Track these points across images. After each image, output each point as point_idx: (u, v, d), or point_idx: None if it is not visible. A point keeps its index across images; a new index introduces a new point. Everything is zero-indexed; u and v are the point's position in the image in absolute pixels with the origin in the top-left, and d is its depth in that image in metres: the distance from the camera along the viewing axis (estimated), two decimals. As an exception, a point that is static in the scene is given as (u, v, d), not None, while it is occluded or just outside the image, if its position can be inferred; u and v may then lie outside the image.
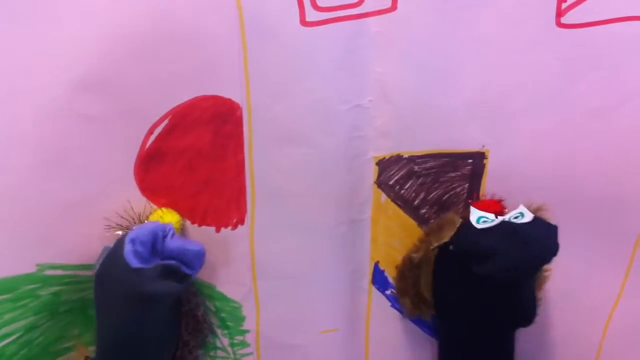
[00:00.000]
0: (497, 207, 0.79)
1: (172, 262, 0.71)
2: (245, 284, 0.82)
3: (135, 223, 0.75)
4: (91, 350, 0.83)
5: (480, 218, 0.77)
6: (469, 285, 0.79)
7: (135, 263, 0.68)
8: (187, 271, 0.72)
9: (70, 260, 0.76)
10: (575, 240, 0.83)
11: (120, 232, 0.74)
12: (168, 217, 0.76)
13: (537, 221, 0.74)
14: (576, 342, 0.91)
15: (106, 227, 0.75)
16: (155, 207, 0.77)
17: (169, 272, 0.71)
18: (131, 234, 0.69)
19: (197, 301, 0.81)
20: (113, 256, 0.71)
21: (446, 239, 0.79)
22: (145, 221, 0.75)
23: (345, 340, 0.89)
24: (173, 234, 0.72)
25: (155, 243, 0.71)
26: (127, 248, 0.68)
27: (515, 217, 0.74)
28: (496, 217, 0.76)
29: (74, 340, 0.82)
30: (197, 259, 0.73)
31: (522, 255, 0.71)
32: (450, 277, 0.81)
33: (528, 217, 0.74)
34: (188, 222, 0.78)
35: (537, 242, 0.72)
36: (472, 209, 0.78)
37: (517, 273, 0.73)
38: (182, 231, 0.79)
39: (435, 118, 0.77)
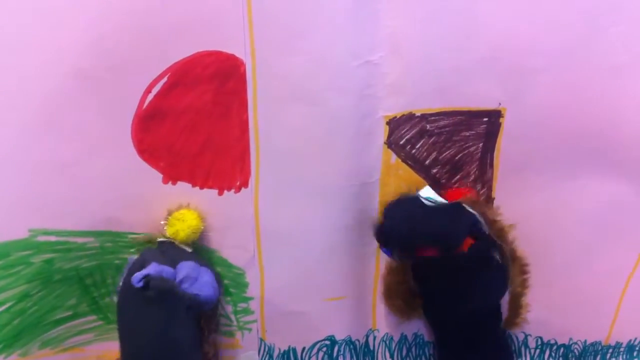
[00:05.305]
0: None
1: None
2: (249, 250, 0.80)
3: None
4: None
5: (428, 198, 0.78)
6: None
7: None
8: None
9: (65, 225, 0.75)
10: (594, 203, 0.82)
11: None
12: (188, 219, 0.75)
13: (436, 208, 0.77)
14: (593, 306, 0.90)
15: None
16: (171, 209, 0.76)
17: None
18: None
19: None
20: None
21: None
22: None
23: (351, 308, 0.87)
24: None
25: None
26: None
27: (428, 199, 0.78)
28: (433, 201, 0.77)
29: (70, 310, 0.80)
30: (208, 302, 0.75)
31: (383, 225, 0.78)
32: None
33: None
34: (188, 186, 0.76)
35: (394, 219, 0.77)
36: (427, 188, 0.78)
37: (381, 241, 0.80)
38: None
39: (449, 74, 0.74)
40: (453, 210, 0.77)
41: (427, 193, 0.78)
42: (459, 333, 0.80)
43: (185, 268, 0.72)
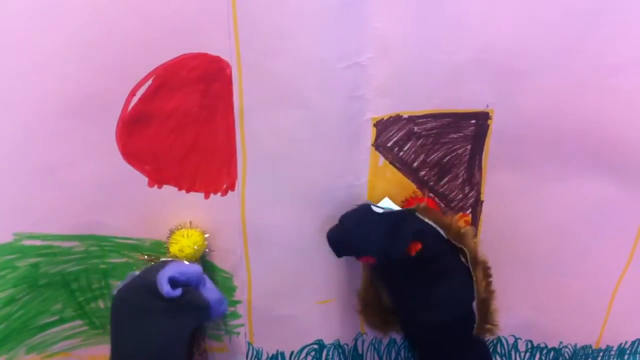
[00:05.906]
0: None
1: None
2: (236, 253, 0.80)
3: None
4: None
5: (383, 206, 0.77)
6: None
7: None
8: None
9: (50, 229, 0.75)
10: (584, 204, 0.82)
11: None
12: (193, 235, 0.75)
13: (379, 218, 0.74)
14: (584, 309, 0.89)
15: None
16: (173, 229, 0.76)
17: None
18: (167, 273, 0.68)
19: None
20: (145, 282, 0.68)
21: None
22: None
23: (339, 311, 0.87)
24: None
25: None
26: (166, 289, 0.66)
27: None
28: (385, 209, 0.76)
29: (56, 315, 0.80)
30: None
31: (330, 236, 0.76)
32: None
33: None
34: (174, 189, 0.75)
35: (339, 225, 0.75)
36: (386, 200, 0.78)
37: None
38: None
39: (437, 76, 0.74)
40: (396, 218, 0.74)
41: (385, 204, 0.77)
42: (432, 344, 0.79)
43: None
